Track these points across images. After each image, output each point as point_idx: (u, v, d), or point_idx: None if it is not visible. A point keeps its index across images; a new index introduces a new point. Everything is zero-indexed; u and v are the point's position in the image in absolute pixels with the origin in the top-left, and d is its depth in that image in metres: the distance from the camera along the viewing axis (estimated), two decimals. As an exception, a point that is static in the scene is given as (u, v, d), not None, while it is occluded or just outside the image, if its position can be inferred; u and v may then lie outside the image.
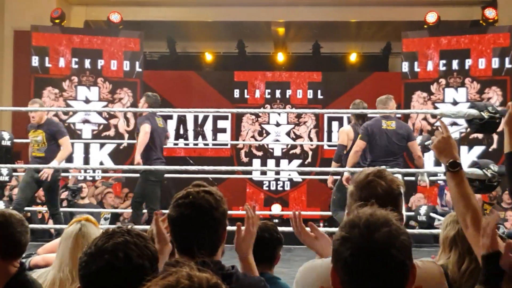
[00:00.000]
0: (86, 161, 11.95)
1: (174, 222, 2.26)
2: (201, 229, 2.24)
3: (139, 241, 1.82)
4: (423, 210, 8.08)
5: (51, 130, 7.63)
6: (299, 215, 2.81)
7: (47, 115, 11.37)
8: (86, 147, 11.90)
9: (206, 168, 7.24)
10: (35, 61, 12.07)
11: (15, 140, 8.45)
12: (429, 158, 11.14)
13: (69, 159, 11.86)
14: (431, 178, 8.11)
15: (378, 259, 1.54)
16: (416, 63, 12.02)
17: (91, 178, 11.38)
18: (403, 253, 1.56)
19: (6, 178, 8.53)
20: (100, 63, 12.33)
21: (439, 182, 9.51)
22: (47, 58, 12.12)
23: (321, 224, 11.33)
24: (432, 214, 7.96)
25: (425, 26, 12.09)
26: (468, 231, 2.32)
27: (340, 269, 1.59)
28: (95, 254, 1.80)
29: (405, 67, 12.10)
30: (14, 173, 9.26)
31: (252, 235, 2.50)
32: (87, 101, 12.29)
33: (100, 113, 12.24)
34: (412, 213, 8.45)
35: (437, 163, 11.23)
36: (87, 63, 12.29)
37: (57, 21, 12.16)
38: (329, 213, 8.32)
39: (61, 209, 8.84)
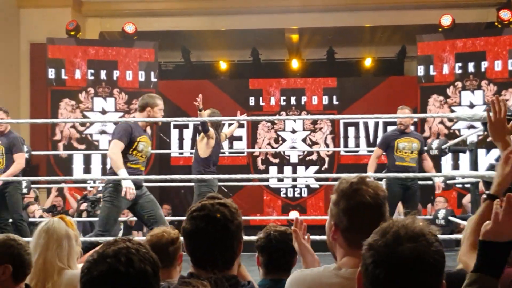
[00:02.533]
0: (104, 171, 11.99)
1: (189, 235, 2.24)
2: (216, 242, 2.22)
3: (140, 248, 1.81)
4: (441, 213, 8.02)
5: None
6: (302, 222, 2.80)
7: (64, 126, 11.51)
8: (104, 157, 11.95)
9: (222, 176, 7.24)
10: (51, 73, 12.15)
11: (33, 153, 8.50)
12: (446, 162, 11.09)
13: (87, 170, 11.96)
14: (449, 181, 8.07)
15: (398, 273, 1.51)
16: (431, 66, 11.96)
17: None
18: (428, 271, 1.51)
19: (25, 191, 8.57)
20: (116, 74, 12.39)
21: (457, 185, 9.46)
22: (63, 70, 12.20)
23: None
24: (451, 218, 7.91)
25: (440, 29, 12.04)
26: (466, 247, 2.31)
27: (363, 274, 1.58)
28: (97, 260, 1.78)
29: (420, 70, 12.05)
30: (33, 185, 9.32)
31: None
32: (103, 112, 12.35)
33: (116, 124, 12.27)
34: (431, 217, 8.41)
35: (455, 167, 11.18)
36: (103, 74, 12.36)
37: (72, 33, 12.24)
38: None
39: (81, 219, 8.93)
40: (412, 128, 8.54)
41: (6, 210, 7.81)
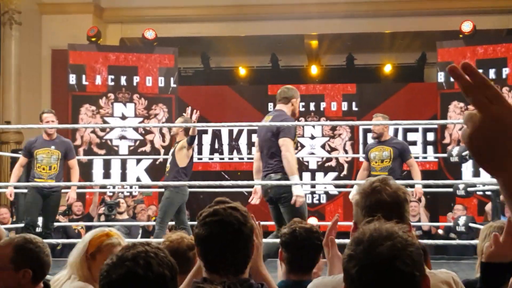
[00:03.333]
0: (123, 176, 12.05)
1: (203, 241, 2.24)
2: (230, 247, 2.23)
3: (158, 252, 1.82)
4: (462, 220, 7.97)
5: None
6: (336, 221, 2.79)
7: (85, 131, 11.59)
8: (123, 163, 12.01)
9: (241, 182, 7.24)
10: (72, 79, 12.24)
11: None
12: (467, 168, 11.01)
13: (107, 175, 12.03)
14: (470, 189, 8.02)
15: (383, 273, 1.52)
16: (452, 73, 11.88)
17: (128, 194, 11.50)
18: (411, 264, 1.53)
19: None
20: (136, 79, 12.45)
21: (477, 193, 9.39)
22: (84, 76, 12.28)
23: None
24: (471, 225, 7.85)
25: (461, 36, 11.98)
26: None
27: (350, 287, 1.57)
28: (116, 263, 1.79)
29: (440, 77, 11.98)
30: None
31: (259, 247, 2.50)
32: (123, 117, 12.41)
33: (136, 129, 12.35)
34: (451, 224, 8.36)
35: (476, 174, 11.10)
36: (123, 80, 12.42)
37: (93, 39, 12.32)
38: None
39: (99, 223, 8.96)
40: (390, 136, 8.20)
41: (48, 217, 7.82)
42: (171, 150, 7.99)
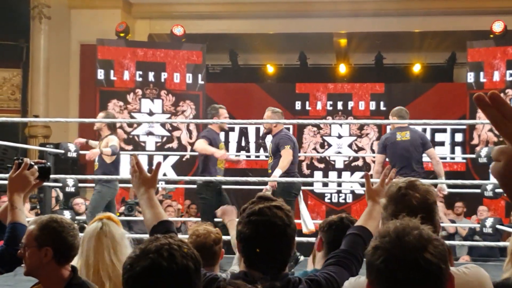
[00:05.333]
0: (150, 172, 12.07)
1: (247, 239, 2.24)
2: (274, 247, 2.23)
3: (181, 244, 1.82)
4: (489, 222, 7.87)
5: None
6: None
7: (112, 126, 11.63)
8: (150, 159, 12.05)
9: (267, 179, 7.24)
10: (100, 74, 12.32)
11: (81, 152, 8.60)
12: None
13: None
14: (497, 190, 7.91)
15: (411, 263, 1.50)
16: (482, 73, 11.77)
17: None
18: (437, 256, 1.51)
19: (72, 189, 8.68)
20: (164, 76, 12.50)
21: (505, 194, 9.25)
22: (112, 71, 12.35)
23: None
24: (498, 227, 7.75)
25: (491, 36, 11.84)
26: None
27: (374, 280, 1.55)
28: (139, 255, 1.78)
29: (470, 77, 11.86)
30: (80, 184, 9.43)
31: None
32: (150, 113, 12.46)
33: (163, 125, 12.39)
34: (478, 225, 8.26)
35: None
36: (151, 76, 12.48)
37: (122, 34, 12.39)
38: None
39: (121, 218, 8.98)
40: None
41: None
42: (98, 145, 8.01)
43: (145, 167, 9.54)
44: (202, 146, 7.29)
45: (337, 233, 3.10)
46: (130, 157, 2.71)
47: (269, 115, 7.48)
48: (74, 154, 8.45)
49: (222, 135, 8.27)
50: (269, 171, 7.39)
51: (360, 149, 13.26)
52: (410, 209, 2.14)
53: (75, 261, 2.92)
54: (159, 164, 2.71)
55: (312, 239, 5.54)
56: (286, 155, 7.16)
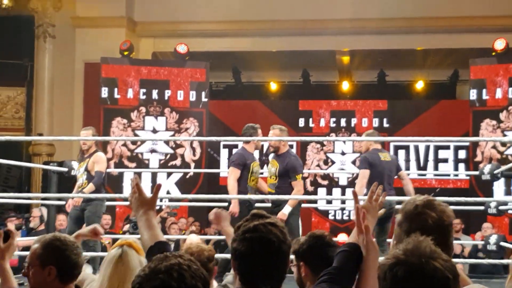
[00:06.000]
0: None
1: (242, 257, 2.24)
2: (269, 264, 2.22)
3: (191, 264, 1.82)
4: (493, 239, 7.85)
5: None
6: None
7: (116, 144, 11.67)
8: (154, 176, 12.05)
9: (271, 197, 7.24)
10: (104, 92, 12.35)
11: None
12: (498, 187, 10.88)
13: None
14: (501, 207, 7.92)
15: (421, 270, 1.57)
16: (484, 90, 11.78)
17: (158, 207, 11.52)
18: (447, 268, 1.58)
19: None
20: (167, 93, 12.53)
21: (509, 211, 9.26)
22: (116, 89, 12.39)
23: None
24: (503, 244, 7.73)
25: (494, 53, 11.87)
26: None
27: None
28: (149, 275, 1.78)
29: (473, 94, 11.87)
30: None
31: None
32: (154, 131, 12.48)
33: (167, 143, 12.41)
34: (482, 242, 8.24)
35: (508, 192, 10.96)
36: (155, 94, 12.51)
37: (126, 53, 12.43)
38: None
39: (126, 236, 8.95)
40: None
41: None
42: (84, 165, 7.84)
43: (148, 184, 9.56)
44: (231, 184, 7.16)
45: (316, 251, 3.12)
46: (131, 179, 2.73)
47: (277, 133, 7.39)
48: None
49: (256, 153, 8.08)
50: (269, 189, 7.34)
51: (363, 166, 13.22)
52: (424, 228, 2.11)
53: (96, 285, 2.93)
54: (159, 186, 2.70)
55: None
56: (299, 188, 7.13)
